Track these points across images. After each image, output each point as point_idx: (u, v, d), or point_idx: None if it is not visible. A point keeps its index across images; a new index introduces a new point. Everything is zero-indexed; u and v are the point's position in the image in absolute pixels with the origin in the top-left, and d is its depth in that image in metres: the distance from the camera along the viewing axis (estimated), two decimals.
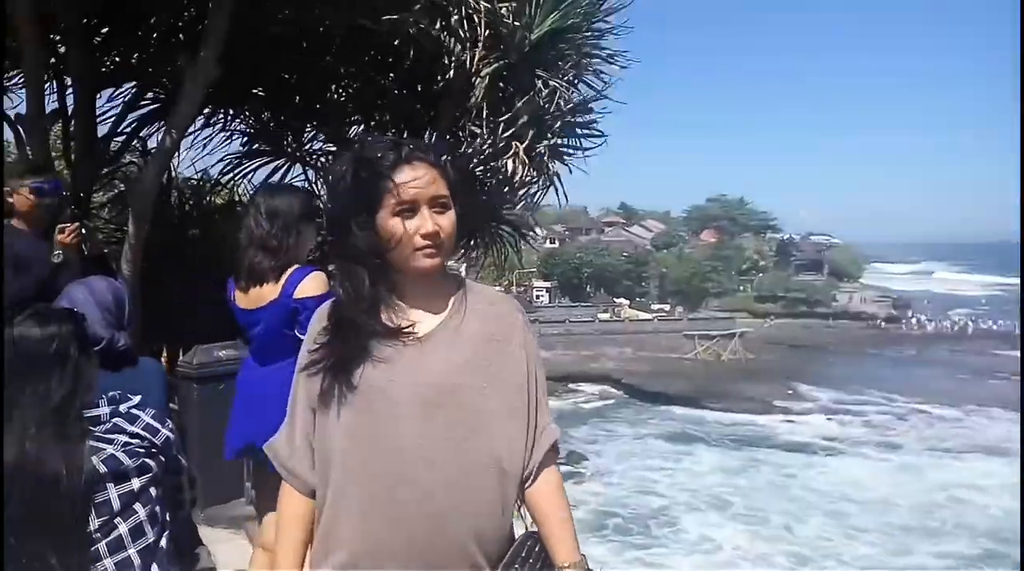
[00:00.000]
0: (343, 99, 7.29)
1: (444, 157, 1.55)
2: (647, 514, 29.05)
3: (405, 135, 7.59)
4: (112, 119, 7.17)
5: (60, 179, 4.10)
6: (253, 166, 7.97)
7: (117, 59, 7.44)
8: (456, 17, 5.22)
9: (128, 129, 7.13)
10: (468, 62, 5.46)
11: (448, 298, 1.55)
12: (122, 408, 2.04)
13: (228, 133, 7.23)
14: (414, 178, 1.45)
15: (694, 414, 44.03)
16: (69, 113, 6.63)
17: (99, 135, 6.86)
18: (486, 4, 5.23)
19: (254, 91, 6.92)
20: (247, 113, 7.47)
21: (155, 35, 6.52)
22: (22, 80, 8.40)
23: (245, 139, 7.48)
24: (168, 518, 2.08)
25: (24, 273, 3.15)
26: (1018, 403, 34.46)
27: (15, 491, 1.82)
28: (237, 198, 8.29)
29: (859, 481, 32.46)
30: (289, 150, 7.56)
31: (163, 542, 2.04)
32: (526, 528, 1.60)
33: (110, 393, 2.08)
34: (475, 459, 1.47)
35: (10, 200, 3.30)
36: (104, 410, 2.01)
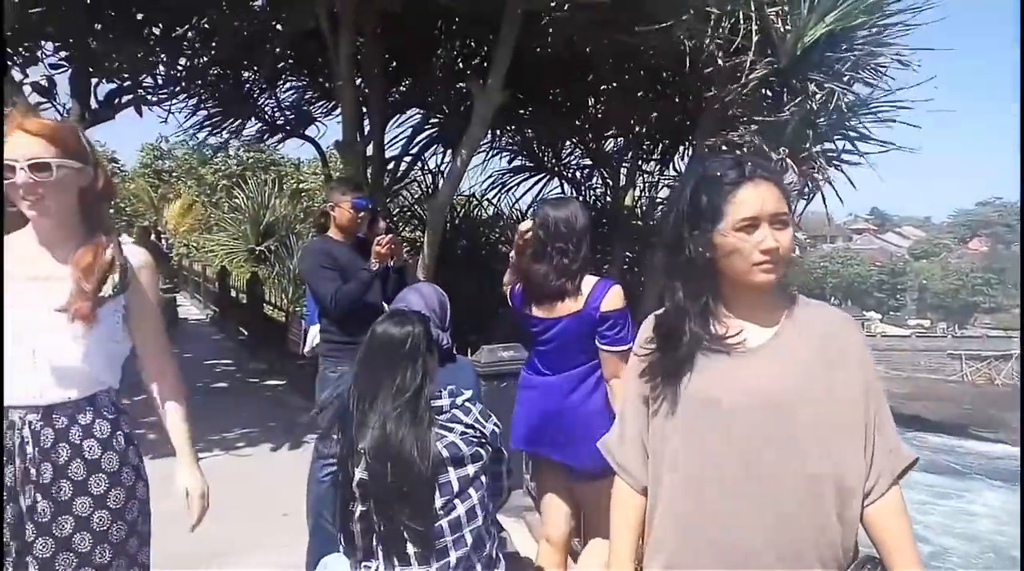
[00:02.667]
0: (601, 114, 7.54)
1: (785, 177, 1.58)
2: None
3: (663, 145, 7.69)
4: (399, 142, 8.10)
5: (372, 197, 4.71)
6: (517, 181, 8.58)
7: (403, 90, 8.41)
8: (725, 25, 5.17)
9: (413, 151, 7.95)
10: (734, 70, 5.39)
11: (779, 312, 1.55)
12: (458, 401, 2.31)
13: (496, 151, 7.76)
14: (757, 195, 1.48)
15: (961, 444, 38.68)
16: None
17: (387, 157, 7.74)
18: (757, 10, 5.12)
19: (520, 111, 7.37)
20: (512, 131, 8.01)
21: (439, 68, 7.24)
22: (319, 109, 9.86)
23: (511, 156, 7.98)
24: (491, 504, 2.32)
25: (347, 279, 3.49)
26: None
27: (378, 467, 2.14)
28: (501, 211, 8.97)
29: None
30: (549, 165, 8.01)
31: (489, 525, 2.28)
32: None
33: (448, 387, 2.37)
34: (805, 475, 1.46)
35: (332, 214, 3.68)
36: (445, 401, 2.28)
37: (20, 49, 6.24)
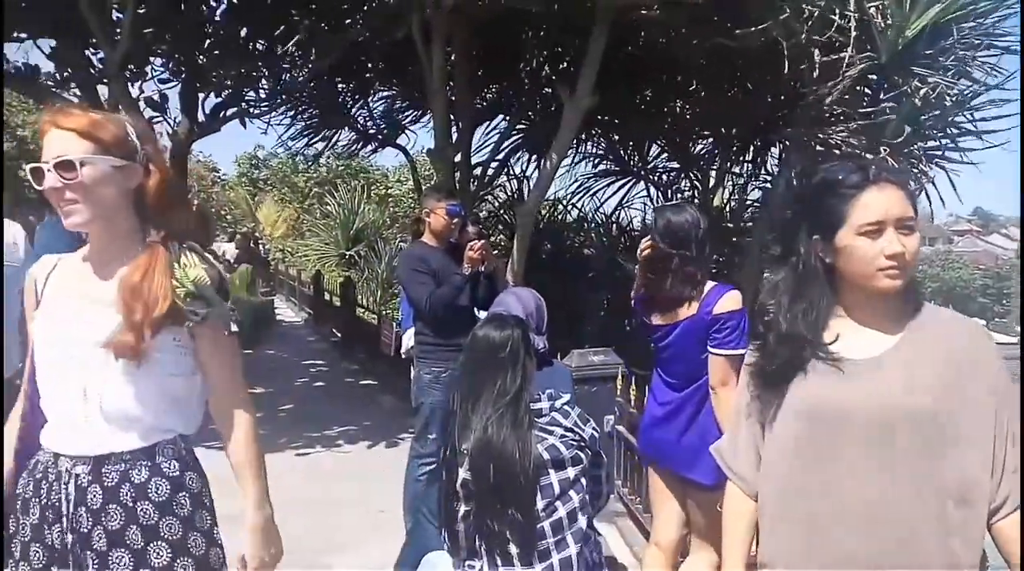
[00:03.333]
0: (689, 115, 7.44)
1: (911, 181, 1.53)
2: None
3: (755, 146, 7.51)
4: (485, 149, 8.22)
5: (463, 204, 4.82)
6: (602, 185, 8.57)
7: (489, 97, 8.55)
8: (832, 20, 5.02)
9: (499, 157, 8.05)
10: (831, 67, 5.22)
11: (903, 320, 1.50)
12: (557, 404, 2.35)
13: (583, 156, 7.77)
14: (883, 198, 1.44)
15: None
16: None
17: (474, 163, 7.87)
18: (856, 4, 4.95)
19: (606, 115, 7.35)
20: (598, 136, 8.00)
21: (525, 74, 7.32)
22: (408, 119, 10.12)
23: (597, 161, 7.97)
24: (591, 508, 2.34)
25: (440, 283, 3.58)
26: None
27: (480, 468, 2.18)
28: (586, 215, 8.98)
29: None
30: (635, 169, 7.96)
31: (589, 529, 2.30)
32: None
33: (547, 390, 2.40)
34: (928, 487, 1.41)
35: (427, 220, 3.78)
36: (545, 404, 2.32)
37: (131, 66, 6.67)
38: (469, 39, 6.49)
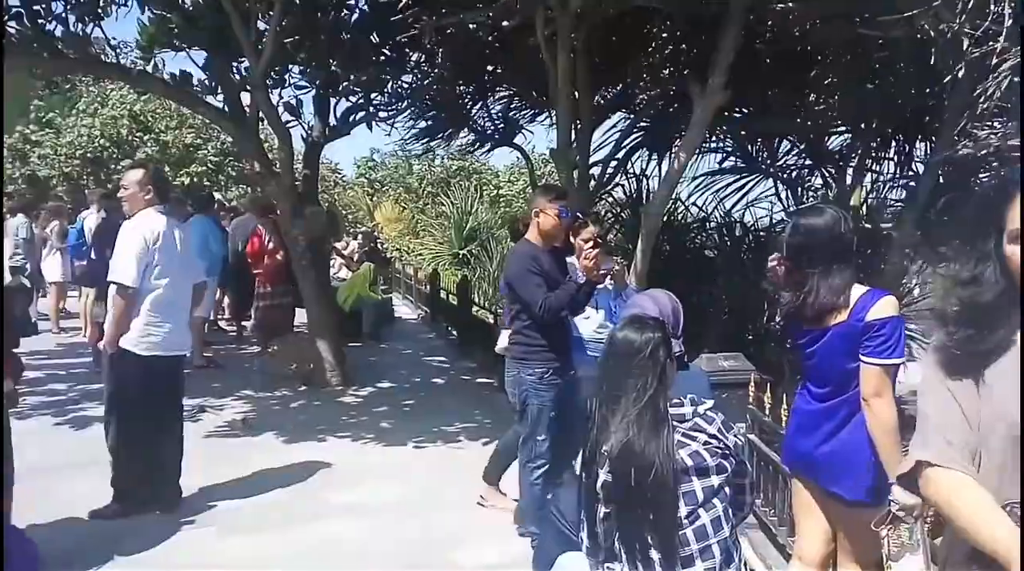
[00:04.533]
0: (822, 109, 7.07)
1: None
2: None
3: (897, 142, 7.06)
4: (603, 147, 8.15)
5: (576, 204, 4.79)
6: (725, 182, 8.30)
7: (607, 96, 8.47)
8: (976, 11, 4.64)
9: (619, 156, 7.95)
10: (983, 58, 4.80)
11: None
12: (700, 410, 2.26)
13: (708, 151, 7.55)
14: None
15: None
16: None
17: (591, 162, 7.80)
18: None
19: (734, 110, 7.11)
20: (722, 131, 7.74)
21: (647, 70, 7.20)
22: (526, 118, 10.17)
23: (722, 157, 7.72)
24: (734, 517, 2.25)
25: (550, 286, 3.56)
26: None
27: (621, 470, 2.14)
28: (708, 214, 8.72)
29: None
30: (764, 166, 7.65)
31: (734, 539, 2.21)
32: None
33: (689, 395, 2.32)
34: None
35: (537, 220, 3.74)
36: (687, 409, 2.25)
37: (272, 72, 7.05)
38: (590, 37, 6.44)
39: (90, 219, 6.40)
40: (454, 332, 10.06)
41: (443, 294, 11.30)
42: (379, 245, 13.64)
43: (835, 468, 2.42)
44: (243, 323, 9.41)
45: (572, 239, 4.37)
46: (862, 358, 2.34)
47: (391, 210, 22.75)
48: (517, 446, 4.30)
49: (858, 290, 2.42)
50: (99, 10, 6.14)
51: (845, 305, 2.38)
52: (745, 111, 7.38)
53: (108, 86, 17.52)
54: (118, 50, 6.96)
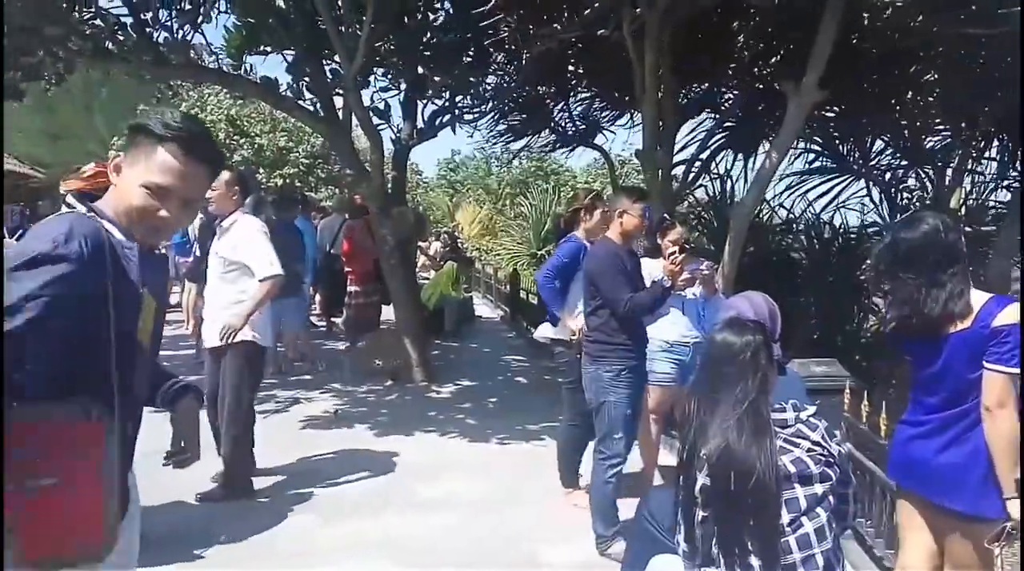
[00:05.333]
0: (921, 107, 6.78)
1: None
2: None
3: (1002, 140, 6.70)
4: (686, 146, 8.05)
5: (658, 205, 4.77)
6: (814, 183, 8.08)
7: (691, 96, 8.36)
8: None
9: (703, 156, 7.84)
10: None
11: None
12: (802, 416, 2.22)
13: (800, 152, 7.35)
14: None
15: None
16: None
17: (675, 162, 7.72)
18: None
19: (826, 109, 6.90)
20: (812, 130, 7.53)
21: (733, 69, 7.07)
22: (606, 119, 10.15)
23: (812, 157, 7.51)
24: (836, 527, 2.20)
25: (629, 283, 3.62)
26: None
27: (720, 475, 2.12)
28: (794, 216, 8.51)
29: None
30: (855, 166, 7.40)
31: (837, 549, 2.16)
32: None
33: (791, 400, 2.29)
34: None
35: (620, 220, 3.74)
36: (790, 415, 2.21)
37: (358, 77, 7.26)
38: (675, 35, 6.38)
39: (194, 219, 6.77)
40: (534, 331, 10.12)
41: (523, 294, 11.38)
42: (460, 245, 13.84)
43: (949, 481, 2.34)
44: (333, 319, 9.72)
45: (659, 241, 4.38)
46: (987, 365, 2.25)
47: (471, 211, 23.05)
48: (574, 441, 4.35)
49: (979, 296, 2.33)
50: (199, 17, 6.47)
51: (967, 312, 2.31)
52: (837, 109, 7.14)
53: (206, 92, 18.40)
54: (217, 55, 7.28)
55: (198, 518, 3.99)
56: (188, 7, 6.24)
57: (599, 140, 10.01)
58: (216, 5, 6.47)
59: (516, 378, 7.82)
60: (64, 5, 5.63)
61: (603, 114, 10.03)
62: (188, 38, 6.34)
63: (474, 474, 4.78)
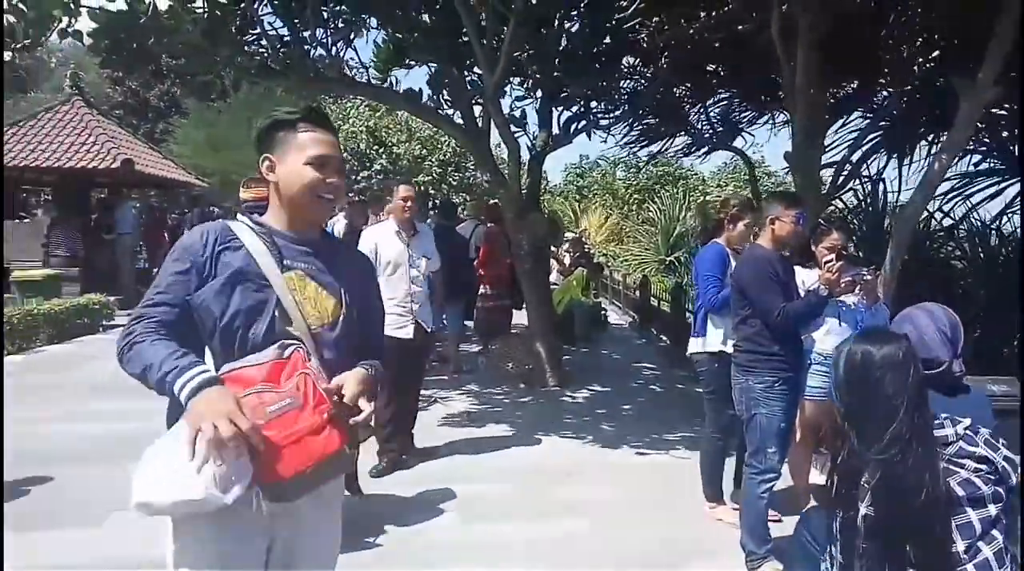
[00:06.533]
0: None
1: None
2: None
3: None
4: (835, 147, 7.64)
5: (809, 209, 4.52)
6: (979, 187, 7.45)
7: (840, 95, 7.94)
8: None
9: (854, 158, 7.41)
10: None
11: None
12: (959, 430, 2.03)
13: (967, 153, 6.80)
14: None
15: None
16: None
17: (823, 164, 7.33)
18: None
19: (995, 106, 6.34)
20: (979, 129, 6.94)
21: (889, 66, 6.63)
22: (745, 120, 9.81)
23: (979, 158, 6.92)
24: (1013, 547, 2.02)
25: (783, 292, 3.47)
26: None
27: (882, 501, 1.98)
28: (956, 221, 7.87)
29: None
30: None
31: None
32: None
33: (947, 415, 2.10)
34: None
35: (772, 226, 3.59)
36: (949, 431, 2.04)
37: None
38: (824, 33, 6.07)
39: (339, 224, 7.18)
40: (665, 338, 9.94)
41: (654, 301, 11.21)
42: (587, 250, 13.81)
43: None
44: (465, 323, 9.97)
45: (813, 248, 4.19)
46: None
47: (597, 216, 22.98)
48: (717, 454, 4.21)
49: None
50: (352, 34, 6.83)
51: None
52: (1007, 106, 6.55)
53: (347, 105, 19.42)
54: (365, 69, 7.64)
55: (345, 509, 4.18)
56: (342, 25, 6.60)
57: (736, 143, 9.67)
58: (367, 23, 6.80)
59: (650, 386, 7.71)
60: (233, 29, 6.11)
61: (742, 115, 9.73)
62: (341, 54, 6.73)
63: (611, 481, 4.74)
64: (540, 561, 3.63)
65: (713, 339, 4.16)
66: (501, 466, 4.98)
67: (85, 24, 5.72)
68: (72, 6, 5.45)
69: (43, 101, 20.52)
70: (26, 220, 13.98)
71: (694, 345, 4.27)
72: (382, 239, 4.76)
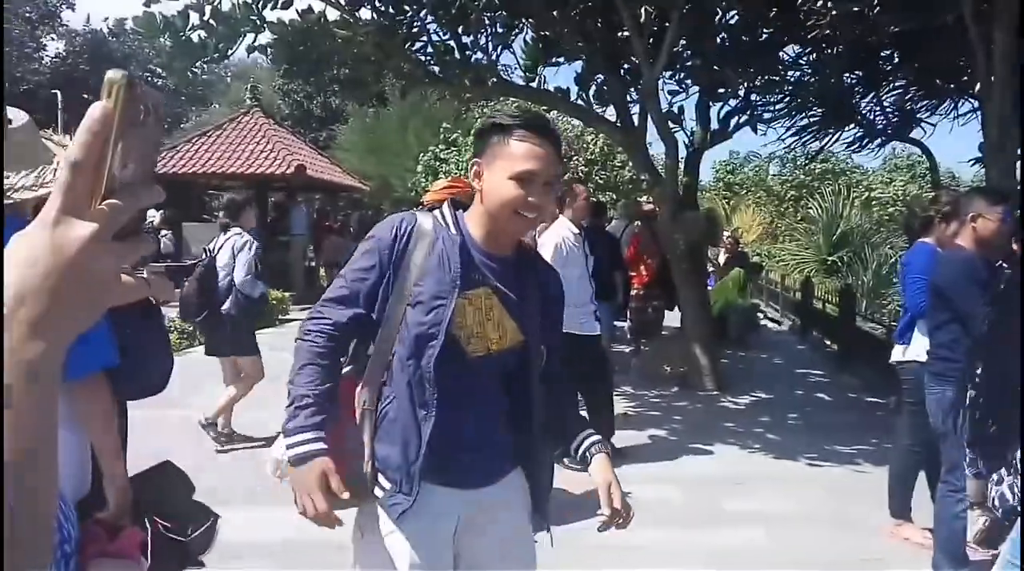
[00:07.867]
0: None
1: None
2: None
3: None
4: None
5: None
6: None
7: None
8: None
9: None
10: None
11: None
12: None
13: None
14: None
15: None
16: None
17: None
18: None
19: None
20: None
21: None
22: (924, 110, 9.03)
23: None
24: None
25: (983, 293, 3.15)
26: None
27: None
28: None
29: None
30: None
31: None
32: None
33: None
34: None
35: (973, 225, 3.28)
36: None
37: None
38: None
39: None
40: (831, 344, 9.38)
41: (817, 303, 10.62)
42: (743, 250, 13.29)
43: None
44: (614, 323, 9.88)
45: (1014, 247, 3.82)
46: None
47: (750, 214, 22.10)
48: (910, 469, 3.90)
49: None
50: (511, 38, 6.96)
51: None
52: None
53: (485, 108, 19.80)
54: (510, 70, 7.76)
55: None
56: (502, 29, 6.74)
57: (915, 134, 8.95)
58: (524, 26, 6.91)
59: (817, 394, 7.30)
60: (400, 40, 6.42)
61: (920, 104, 8.99)
62: (497, 57, 6.87)
63: (783, 492, 4.53)
64: (717, 568, 3.54)
65: (919, 347, 3.87)
66: (664, 472, 4.89)
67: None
68: (258, 22, 5.94)
69: (224, 113, 22.55)
70: (211, 222, 15.42)
71: (897, 353, 3.99)
72: (564, 241, 4.78)
